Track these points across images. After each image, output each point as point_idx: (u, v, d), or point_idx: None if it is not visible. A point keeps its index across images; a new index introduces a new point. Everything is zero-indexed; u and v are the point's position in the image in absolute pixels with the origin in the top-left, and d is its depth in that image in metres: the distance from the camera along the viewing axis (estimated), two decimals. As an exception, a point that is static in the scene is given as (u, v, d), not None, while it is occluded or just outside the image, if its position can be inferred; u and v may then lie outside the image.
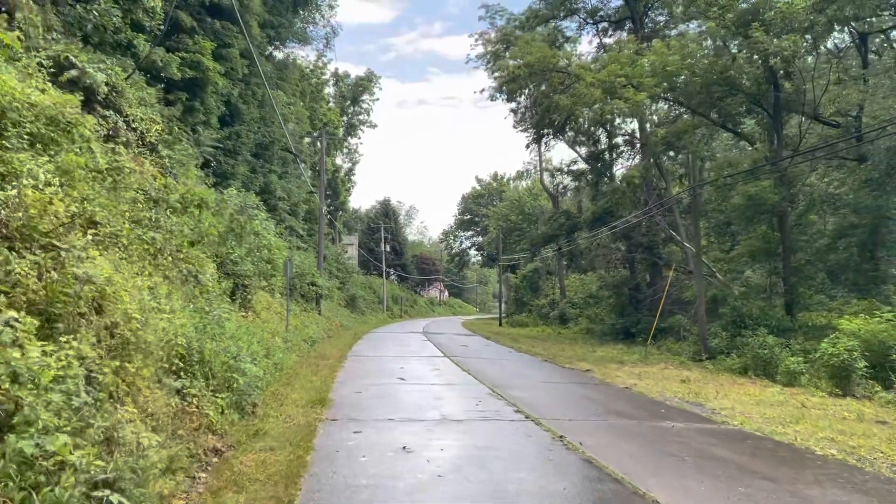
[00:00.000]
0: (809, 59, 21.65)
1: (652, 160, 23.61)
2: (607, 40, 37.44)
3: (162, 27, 28.77)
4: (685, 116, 22.59)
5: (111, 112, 15.51)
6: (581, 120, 29.10)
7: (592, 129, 37.01)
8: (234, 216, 14.98)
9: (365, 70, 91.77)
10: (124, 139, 15.60)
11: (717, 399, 13.53)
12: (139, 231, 10.16)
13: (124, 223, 9.71)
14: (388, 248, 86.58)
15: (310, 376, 15.07)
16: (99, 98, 15.49)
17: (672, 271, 24.28)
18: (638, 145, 36.04)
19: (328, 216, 66.86)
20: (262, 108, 45.99)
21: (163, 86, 29.53)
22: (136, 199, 10.90)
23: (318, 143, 47.53)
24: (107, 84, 15.52)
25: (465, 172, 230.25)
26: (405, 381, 14.64)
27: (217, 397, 9.35)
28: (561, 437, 9.06)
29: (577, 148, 42.24)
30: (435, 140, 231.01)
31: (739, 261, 29.36)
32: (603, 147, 38.35)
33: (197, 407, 8.90)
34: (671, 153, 25.60)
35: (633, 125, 37.43)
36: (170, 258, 12.20)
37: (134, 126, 16.25)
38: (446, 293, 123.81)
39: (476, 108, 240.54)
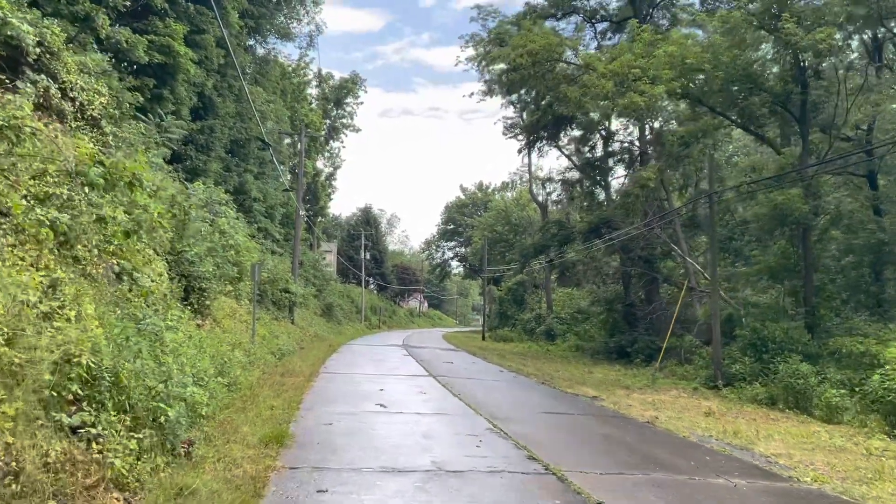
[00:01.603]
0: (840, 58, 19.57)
1: (666, 162, 21.38)
2: (606, 43, 35.43)
3: (127, 3, 26.10)
4: (704, 118, 20.40)
5: (43, 77, 12.99)
6: (589, 115, 26.85)
7: (589, 135, 34.92)
8: (174, 199, 12.41)
9: (350, 72, 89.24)
10: (57, 109, 13.11)
11: (762, 441, 11.22)
12: (40, 211, 7.64)
13: (14, 197, 7.21)
14: (368, 257, 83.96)
15: (271, 399, 12.53)
16: (28, 59, 12.96)
17: (685, 287, 22.03)
18: (638, 153, 33.98)
19: (306, 221, 64.21)
20: (239, 103, 43.31)
21: (127, 70, 26.90)
22: (44, 170, 8.38)
23: (298, 145, 44.96)
24: (39, 44, 13.00)
25: (449, 183, 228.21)
26: (386, 409, 12.15)
27: (133, 437, 6.84)
28: (599, 503, 6.66)
29: (572, 156, 40.14)
30: (419, 150, 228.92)
31: (751, 279, 27.30)
32: (599, 154, 36.22)
33: (100, 452, 6.39)
34: (674, 162, 23.42)
35: (630, 132, 35.49)
36: (95, 250, 9.68)
37: (72, 96, 13.71)
38: (426, 304, 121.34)
39: (462, 120, 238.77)
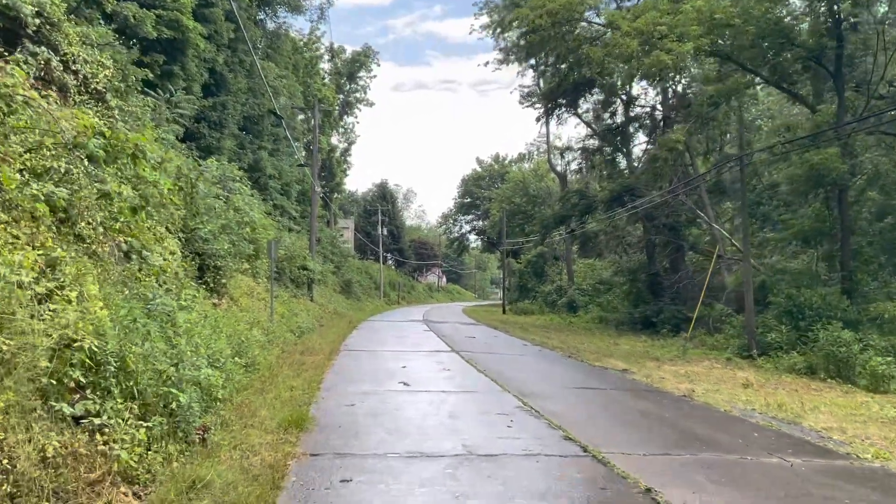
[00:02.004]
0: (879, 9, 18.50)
1: (694, 124, 20.45)
2: (626, 4, 34.20)
3: (132, -25, 25.44)
4: (734, 76, 19.40)
5: (43, 49, 12.45)
6: (611, 78, 25.84)
7: (610, 99, 33.88)
8: (180, 171, 11.84)
9: (362, 45, 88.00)
10: (59, 82, 12.58)
11: (810, 414, 10.58)
12: (36, 186, 7.11)
13: (6, 170, 6.68)
14: (385, 232, 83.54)
15: (291, 379, 12.08)
16: (28, 31, 12.45)
17: (715, 254, 21.25)
18: (661, 118, 32.95)
19: (322, 197, 63.75)
20: (251, 79, 42.63)
21: (136, 46, 26.41)
22: (41, 143, 7.84)
23: (311, 121, 44.25)
24: (38, 14, 12.48)
25: (465, 156, 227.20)
26: (409, 388, 11.65)
27: (141, 426, 6.36)
28: (648, 489, 6.10)
29: (591, 123, 39.14)
30: (433, 124, 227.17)
31: (778, 244, 26.43)
32: (620, 120, 35.20)
33: (105, 443, 5.92)
34: (702, 124, 22.40)
35: (652, 97, 34.42)
36: (100, 228, 9.18)
37: (75, 68, 13.17)
38: (444, 279, 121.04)
39: (476, 91, 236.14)
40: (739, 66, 19.22)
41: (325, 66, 74.39)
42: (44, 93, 10.91)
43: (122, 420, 6.20)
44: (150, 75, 23.24)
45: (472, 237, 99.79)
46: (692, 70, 21.74)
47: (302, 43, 64.12)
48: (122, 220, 9.81)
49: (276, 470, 6.30)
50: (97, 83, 13.35)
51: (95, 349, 6.36)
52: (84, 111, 11.00)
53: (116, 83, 13.94)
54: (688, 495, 5.96)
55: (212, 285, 15.83)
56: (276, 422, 8.31)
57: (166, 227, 13.98)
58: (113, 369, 6.53)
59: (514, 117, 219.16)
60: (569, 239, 48.03)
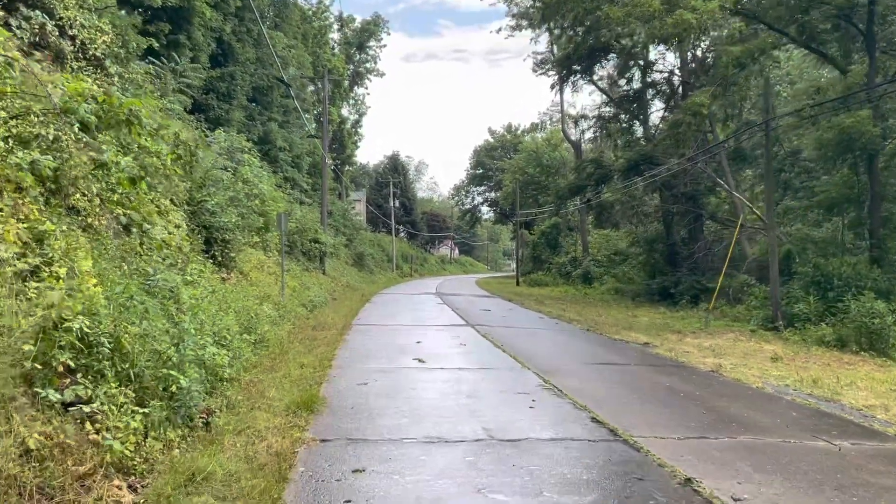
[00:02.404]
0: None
1: (719, 87, 19.56)
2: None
3: (134, -59, 24.75)
4: (760, 36, 18.50)
5: (38, 13, 11.89)
6: (628, 41, 24.91)
7: (628, 64, 32.86)
8: (177, 137, 11.27)
9: (371, 14, 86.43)
10: (55, 48, 12.02)
11: (847, 390, 10.01)
12: (21, 154, 6.59)
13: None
14: (397, 204, 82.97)
15: (302, 356, 11.64)
16: (20, -6, 11.90)
17: (739, 223, 20.54)
18: (679, 83, 31.95)
19: (333, 169, 63.14)
20: (259, 48, 41.79)
21: (140, 16, 25.76)
22: (28, 109, 7.31)
23: (321, 92, 43.40)
24: (31, -24, 11.90)
25: (477, 127, 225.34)
26: (425, 364, 11.16)
27: (137, 412, 5.90)
28: (688, 479, 5.57)
29: (607, 90, 38.14)
30: (445, 95, 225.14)
31: (800, 213, 25.62)
32: (637, 86, 34.21)
33: (97, 432, 5.47)
34: (726, 87, 21.45)
35: (670, 62, 33.38)
36: (96, 200, 8.68)
37: (71, 34, 12.59)
38: (457, 251, 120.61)
39: (487, 62, 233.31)
40: (766, 25, 18.31)
41: (334, 35, 73.32)
42: (36, 57, 10.37)
43: (117, 406, 5.74)
44: (156, 45, 22.63)
45: (485, 209, 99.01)
46: (716, 32, 20.77)
47: (311, 12, 63.10)
48: (120, 191, 9.31)
49: (282, 458, 5.83)
50: (95, 49, 12.78)
51: (87, 329, 5.89)
52: (81, 77, 10.43)
53: (116, 49, 13.35)
54: (733, 486, 5.44)
55: (220, 259, 15.38)
56: (284, 403, 7.85)
57: (171, 200, 13.49)
58: (107, 351, 6.05)
59: (526, 87, 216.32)
60: (584, 209, 47.28)
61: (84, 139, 7.61)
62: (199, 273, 12.56)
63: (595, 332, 17.71)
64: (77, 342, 5.74)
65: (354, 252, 50.08)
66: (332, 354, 11.97)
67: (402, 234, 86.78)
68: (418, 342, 14.03)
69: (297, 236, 29.48)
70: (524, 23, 48.93)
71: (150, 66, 18.51)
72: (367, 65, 79.10)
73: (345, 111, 75.68)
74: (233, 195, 18.59)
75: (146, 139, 8.56)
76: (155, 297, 8.46)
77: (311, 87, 55.65)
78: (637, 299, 31.32)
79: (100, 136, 7.72)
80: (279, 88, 44.22)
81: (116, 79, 12.59)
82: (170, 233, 12.26)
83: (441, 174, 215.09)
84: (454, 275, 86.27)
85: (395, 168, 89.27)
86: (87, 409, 5.44)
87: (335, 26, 72.26)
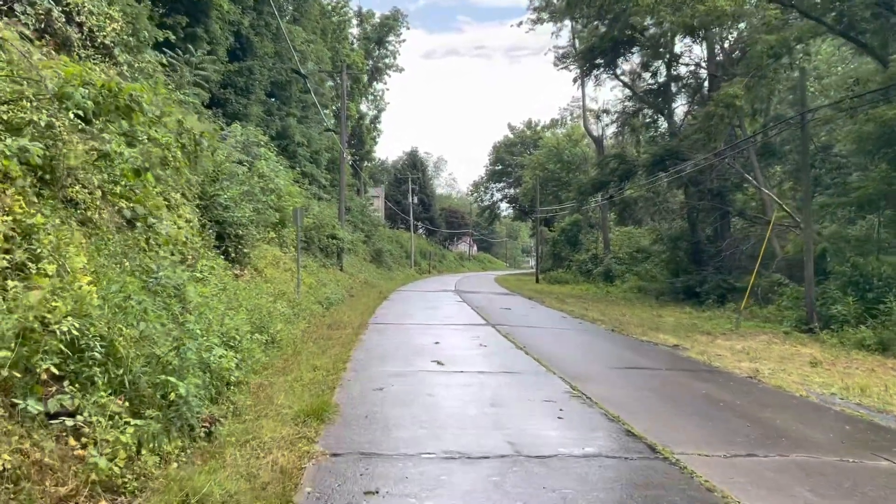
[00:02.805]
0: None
1: (753, 78, 18.74)
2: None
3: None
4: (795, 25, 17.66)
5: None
6: (654, 31, 24.10)
7: (652, 58, 31.99)
8: (181, 125, 10.75)
9: (391, 8, 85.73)
10: (62, 36, 11.58)
11: (899, 400, 9.29)
12: (9, 141, 6.09)
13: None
14: (415, 201, 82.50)
15: (315, 357, 11.11)
16: (25, -21, 11.45)
17: (772, 220, 19.72)
18: (706, 76, 31.06)
19: (352, 165, 62.76)
20: (278, 42, 41.39)
21: (158, 9, 25.44)
22: (21, 93, 6.81)
23: (340, 87, 42.87)
24: (36, -40, 11.46)
25: (497, 124, 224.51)
26: (444, 368, 10.59)
27: (129, 424, 5.37)
28: (742, 507, 4.94)
29: (630, 84, 37.28)
30: (465, 91, 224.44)
31: (829, 210, 24.68)
32: (662, 80, 33.33)
33: (83, 447, 4.95)
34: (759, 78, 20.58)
35: (696, 55, 32.47)
36: (98, 192, 8.19)
37: (79, 21, 12.14)
38: (475, 248, 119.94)
39: (508, 58, 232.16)
40: (802, 13, 17.49)
41: (353, 31, 72.91)
42: (38, 44, 9.91)
43: (107, 417, 5.22)
44: (173, 37, 22.24)
45: (504, 205, 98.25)
46: (747, 21, 19.94)
47: (330, 7, 62.75)
48: (124, 183, 8.81)
49: (288, 476, 5.28)
50: (104, 37, 12.33)
51: (76, 332, 5.38)
52: (88, 65, 9.95)
53: (126, 37, 12.89)
54: (794, 517, 4.80)
55: (233, 255, 14.91)
56: (294, 410, 7.31)
57: (182, 194, 13.04)
58: (98, 356, 5.54)
59: (546, 83, 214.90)
60: (605, 206, 46.44)
61: (81, 127, 7.11)
62: (211, 270, 12.09)
63: (621, 332, 17.03)
64: (64, 347, 5.24)
65: (373, 248, 49.64)
66: (347, 356, 11.43)
67: (420, 231, 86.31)
68: (437, 343, 13.46)
69: (314, 232, 29.04)
70: (545, 16, 48.19)
71: (165, 56, 18.07)
72: (387, 60, 78.57)
73: (363, 107, 75.29)
74: (248, 189, 18.13)
75: (155, 130, 8.02)
76: (158, 296, 7.97)
77: (330, 83, 55.15)
78: (661, 298, 30.52)
79: (99, 123, 7.20)
80: (298, 83, 43.87)
81: (126, 68, 12.12)
82: (179, 227, 11.79)
83: (460, 171, 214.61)
84: (473, 272, 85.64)
85: (413, 164, 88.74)
86: (72, 421, 4.93)
87: (354, 21, 71.82)
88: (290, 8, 50.01)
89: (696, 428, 7.34)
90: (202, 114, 22.20)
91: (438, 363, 10.90)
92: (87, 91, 6.91)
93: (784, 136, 28.61)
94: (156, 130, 9.63)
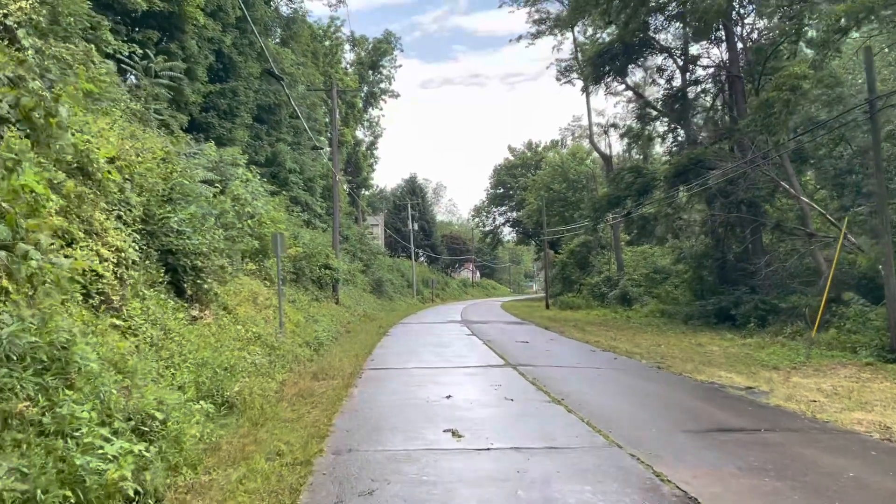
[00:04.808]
0: None
1: (820, 53, 15.90)
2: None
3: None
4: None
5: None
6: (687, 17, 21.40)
7: (666, 63, 29.38)
8: (36, 91, 7.82)
9: (382, 32, 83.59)
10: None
11: None
12: None
13: None
14: (416, 227, 79.77)
15: (285, 428, 8.16)
16: None
17: (843, 234, 16.76)
18: (725, 78, 28.36)
19: (349, 192, 60.12)
20: (264, 63, 38.85)
21: (124, 25, 23.06)
22: None
23: (331, 102, 40.25)
24: None
25: (495, 151, 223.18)
26: (461, 443, 7.57)
27: None
28: None
29: (642, 91, 34.68)
30: (462, 119, 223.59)
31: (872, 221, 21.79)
32: (678, 84, 30.69)
33: None
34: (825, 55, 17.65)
35: (715, 57, 29.82)
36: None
37: (-30, -4, 9.39)
38: (478, 274, 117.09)
39: (504, 84, 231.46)
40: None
41: (347, 56, 70.89)
42: None
43: None
44: (140, 52, 19.60)
45: (507, 230, 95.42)
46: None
47: (321, 31, 60.72)
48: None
49: None
50: (4, 17, 9.57)
51: None
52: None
53: (37, 17, 10.12)
54: None
55: (189, 293, 11.98)
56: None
57: (118, 216, 10.18)
58: None
59: (543, 109, 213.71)
60: (617, 225, 43.59)
61: None
62: (146, 314, 9.16)
63: (669, 370, 14.02)
64: None
65: (373, 278, 46.69)
66: (329, 424, 8.44)
67: (421, 258, 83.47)
68: (448, 396, 10.45)
69: (304, 262, 26.11)
70: (545, 28, 45.95)
71: (116, 63, 15.33)
72: (382, 85, 76.35)
73: (359, 133, 72.94)
74: (208, 212, 15.27)
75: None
76: (13, 365, 5.05)
77: (324, 108, 52.55)
78: (690, 322, 27.47)
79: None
80: (287, 108, 41.40)
81: (31, 52, 9.31)
82: (104, 259, 8.91)
83: (460, 199, 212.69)
84: (477, 299, 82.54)
85: (412, 190, 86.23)
86: None
87: (347, 47, 69.72)
88: (279, 30, 47.82)
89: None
90: (162, 130, 19.49)
91: (454, 434, 7.89)
92: None
93: (815, 142, 25.86)
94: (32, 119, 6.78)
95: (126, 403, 5.98)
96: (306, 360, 14.94)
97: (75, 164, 9.10)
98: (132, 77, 20.88)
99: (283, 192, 33.74)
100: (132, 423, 5.92)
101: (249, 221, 18.48)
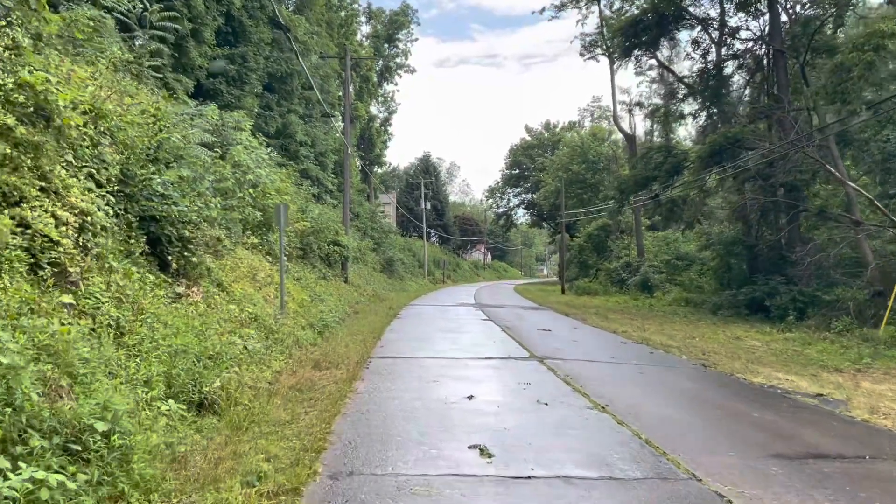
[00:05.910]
0: None
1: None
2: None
3: None
4: None
5: None
6: None
7: (703, 33, 27.44)
8: None
9: (400, 4, 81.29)
10: None
11: None
12: None
13: None
14: (428, 206, 78.05)
15: (273, 435, 6.63)
16: None
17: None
18: (764, 52, 26.39)
19: (361, 168, 58.52)
20: (277, 30, 37.03)
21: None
22: None
23: (344, 70, 38.47)
24: None
25: (510, 132, 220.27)
26: (491, 467, 5.99)
27: None
28: None
29: (674, 65, 32.72)
30: (477, 99, 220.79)
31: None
32: (713, 59, 28.76)
33: None
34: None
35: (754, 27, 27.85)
36: None
37: None
38: (489, 256, 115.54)
39: (520, 65, 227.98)
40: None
41: (363, 28, 68.94)
42: None
43: None
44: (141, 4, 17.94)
45: (521, 211, 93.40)
46: None
47: (337, 1, 58.80)
48: None
49: None
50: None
51: None
52: None
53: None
54: None
55: (175, 267, 10.46)
56: None
57: (89, 174, 8.65)
58: None
59: (560, 91, 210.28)
60: (638, 208, 41.72)
61: None
62: (110, 290, 7.63)
63: (716, 368, 12.41)
64: None
65: (383, 257, 45.19)
66: (327, 430, 6.91)
67: (433, 239, 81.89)
68: (470, 397, 8.88)
69: (312, 238, 24.59)
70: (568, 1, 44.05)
71: (95, 8, 13.66)
72: (398, 59, 74.27)
73: (373, 109, 71.11)
74: (213, 179, 13.74)
75: None
76: None
77: (337, 81, 50.64)
78: (720, 313, 25.78)
79: None
80: (300, 77, 39.72)
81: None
82: (63, 224, 7.41)
83: (473, 180, 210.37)
84: (489, 281, 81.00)
85: (426, 169, 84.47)
86: None
87: (363, 18, 67.70)
88: (293, -1, 46.00)
89: None
90: (157, 86, 17.93)
91: (482, 451, 6.31)
92: None
93: (859, 125, 23.91)
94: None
95: (51, 411, 4.45)
96: (309, 345, 13.42)
97: (31, 108, 7.60)
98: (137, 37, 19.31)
99: (293, 165, 32.16)
100: (59, 438, 4.40)
101: (251, 190, 16.93)
